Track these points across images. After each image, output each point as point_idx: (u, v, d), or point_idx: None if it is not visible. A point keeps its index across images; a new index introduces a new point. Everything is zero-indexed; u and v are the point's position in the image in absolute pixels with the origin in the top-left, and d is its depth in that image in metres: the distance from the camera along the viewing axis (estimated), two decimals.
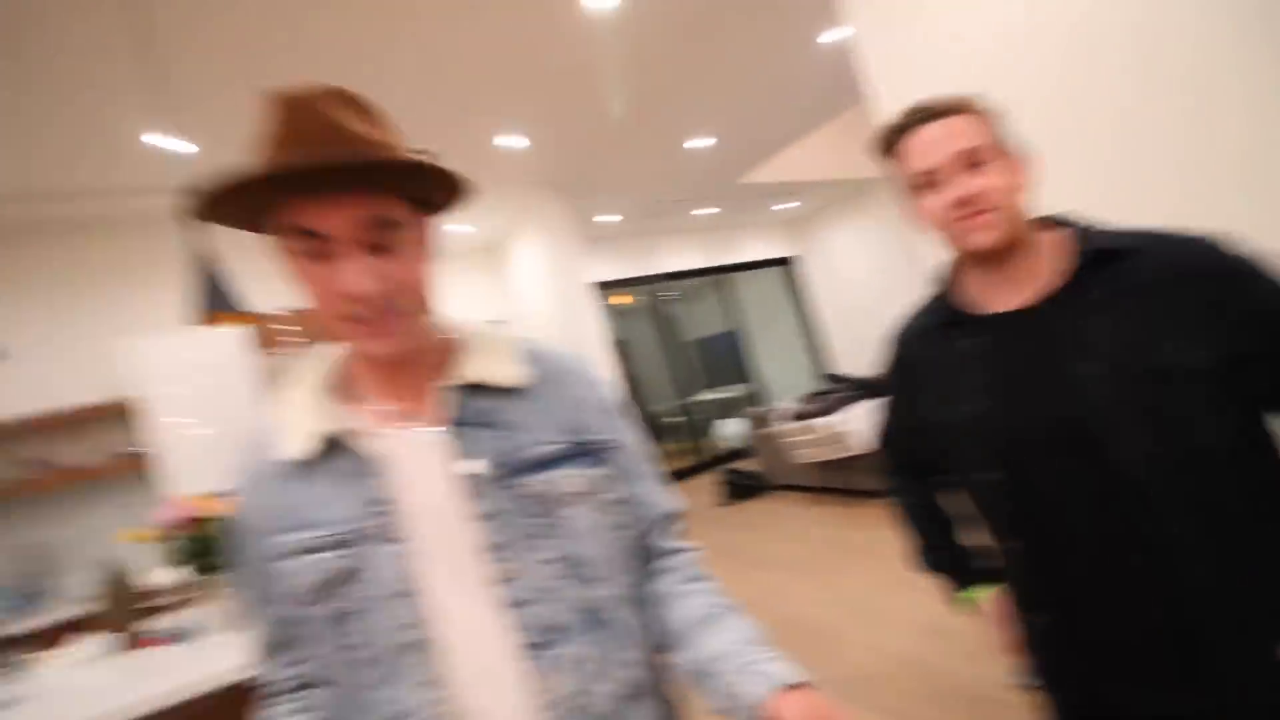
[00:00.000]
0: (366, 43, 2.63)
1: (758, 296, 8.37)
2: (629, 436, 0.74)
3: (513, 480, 0.63)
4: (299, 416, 0.64)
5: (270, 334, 3.63)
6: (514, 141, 3.93)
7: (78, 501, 3.54)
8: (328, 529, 0.61)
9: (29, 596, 3.31)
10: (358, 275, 0.55)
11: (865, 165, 2.30)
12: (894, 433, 1.10)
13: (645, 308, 8.95)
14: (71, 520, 3.52)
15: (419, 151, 0.59)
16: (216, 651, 1.66)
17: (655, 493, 0.75)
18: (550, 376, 0.71)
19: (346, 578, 0.61)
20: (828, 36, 3.40)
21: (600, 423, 0.71)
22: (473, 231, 5.75)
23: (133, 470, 3.49)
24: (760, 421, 5.43)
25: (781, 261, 8.11)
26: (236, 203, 0.55)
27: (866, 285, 7.26)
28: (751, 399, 7.97)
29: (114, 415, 3.47)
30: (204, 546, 1.83)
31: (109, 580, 1.92)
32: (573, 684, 0.61)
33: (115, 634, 1.91)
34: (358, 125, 0.56)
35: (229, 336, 3.59)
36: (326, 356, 0.70)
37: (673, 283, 7.48)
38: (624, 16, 2.85)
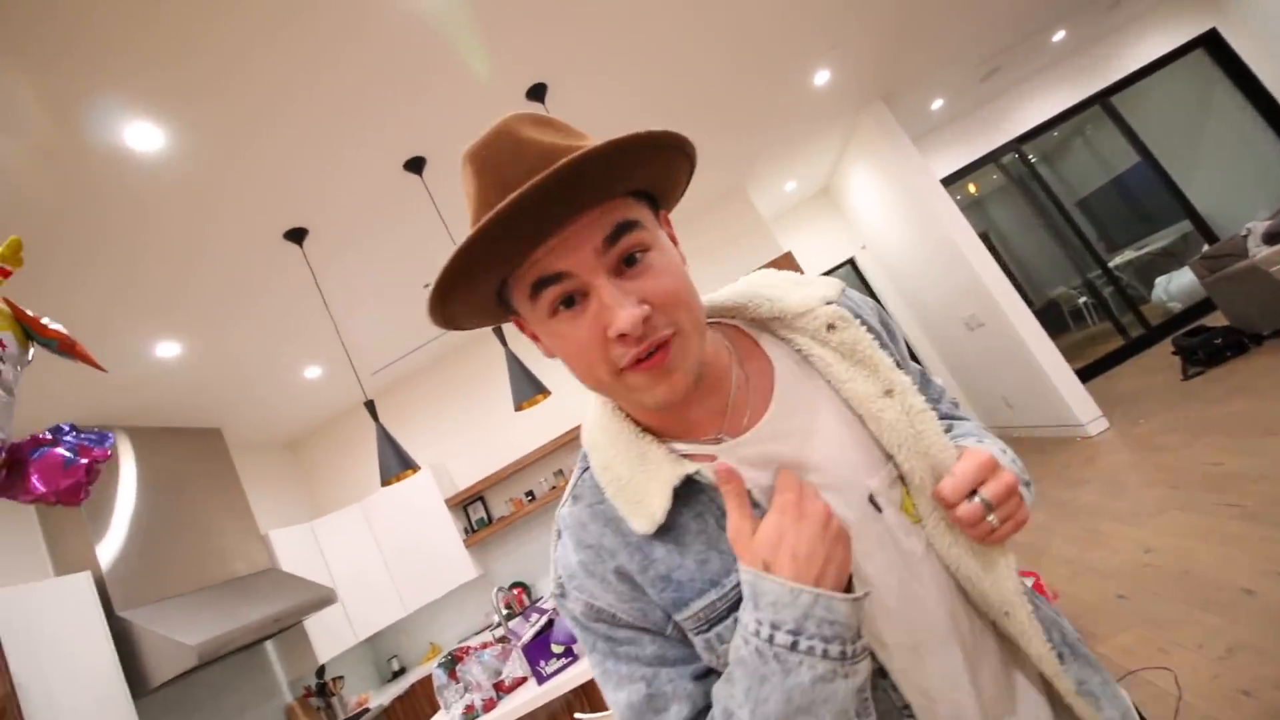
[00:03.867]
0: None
1: (1165, 107, 6.39)
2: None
3: None
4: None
5: None
6: (819, 78, 3.96)
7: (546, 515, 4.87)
8: None
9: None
10: (614, 303, 0.50)
11: None
12: None
13: (1006, 184, 7.74)
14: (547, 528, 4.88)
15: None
16: None
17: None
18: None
19: None
20: None
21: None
22: (795, 187, 5.90)
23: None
24: (1215, 262, 4.22)
25: (1189, 48, 6.07)
26: (473, 289, 0.53)
27: None
28: (1189, 241, 6.16)
29: (552, 450, 4.72)
30: None
31: None
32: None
33: None
34: (554, 138, 0.53)
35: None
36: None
37: (1034, 141, 6.29)
38: None
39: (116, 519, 3.23)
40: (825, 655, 0.46)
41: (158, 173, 2.17)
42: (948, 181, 6.13)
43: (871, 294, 6.34)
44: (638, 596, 0.57)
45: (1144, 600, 2.25)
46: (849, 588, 0.50)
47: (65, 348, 1.22)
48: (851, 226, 6.41)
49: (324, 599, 3.75)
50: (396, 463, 2.60)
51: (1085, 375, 5.51)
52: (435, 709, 3.80)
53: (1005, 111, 6.17)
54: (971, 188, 7.79)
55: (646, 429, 0.61)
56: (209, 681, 3.48)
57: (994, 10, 4.28)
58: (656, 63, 3.05)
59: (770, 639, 0.47)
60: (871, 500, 0.58)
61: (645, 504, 0.56)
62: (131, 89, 1.87)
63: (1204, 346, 4.14)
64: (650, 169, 0.53)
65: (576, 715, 1.76)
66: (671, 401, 0.53)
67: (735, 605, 0.53)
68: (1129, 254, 6.88)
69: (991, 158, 6.23)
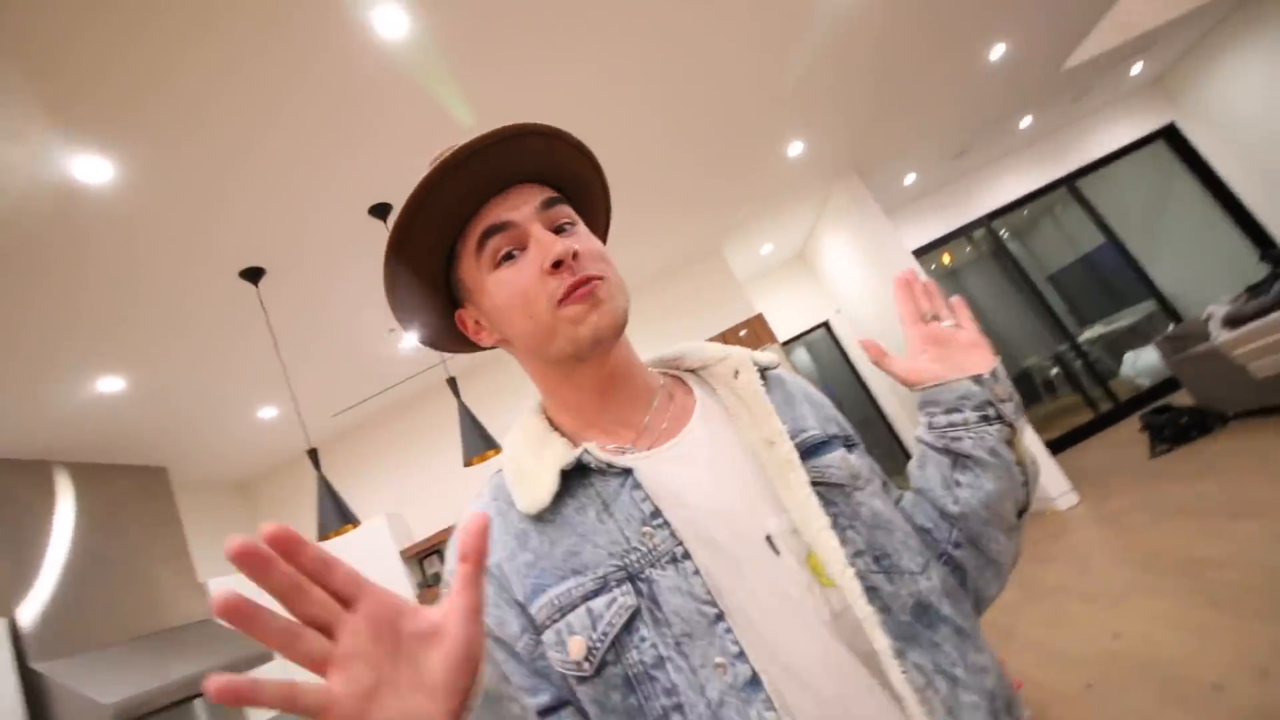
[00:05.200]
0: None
1: (1128, 193, 6.65)
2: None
3: None
4: None
5: None
6: (793, 149, 4.06)
7: None
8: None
9: None
10: (549, 242, 0.59)
11: None
12: None
13: (979, 258, 7.93)
14: None
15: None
16: None
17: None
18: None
19: None
20: None
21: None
22: (772, 250, 5.99)
23: None
24: (1179, 343, 4.29)
25: (1150, 140, 6.37)
26: (427, 235, 0.62)
27: None
28: (1154, 320, 6.31)
29: None
30: None
31: None
32: None
33: None
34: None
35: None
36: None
37: (1005, 218, 6.48)
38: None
39: (44, 561, 3.03)
40: None
41: (102, 206, 2.10)
42: (922, 252, 6.27)
43: (845, 357, 6.37)
44: (500, 599, 0.56)
45: (1111, 691, 2.15)
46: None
47: None
48: (826, 290, 6.50)
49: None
50: (336, 517, 2.47)
51: (1055, 447, 5.51)
52: None
53: (976, 188, 6.39)
54: (946, 258, 7.97)
55: (563, 435, 0.64)
56: None
57: (963, 97, 4.46)
58: (632, 133, 3.10)
59: None
60: (769, 541, 0.55)
61: (534, 482, 0.58)
62: (79, 120, 1.83)
63: (1170, 425, 4.17)
64: (562, 161, 0.65)
65: None
66: (601, 336, 0.58)
67: (590, 595, 0.52)
68: (1098, 329, 7.03)
69: (963, 231, 6.41)
